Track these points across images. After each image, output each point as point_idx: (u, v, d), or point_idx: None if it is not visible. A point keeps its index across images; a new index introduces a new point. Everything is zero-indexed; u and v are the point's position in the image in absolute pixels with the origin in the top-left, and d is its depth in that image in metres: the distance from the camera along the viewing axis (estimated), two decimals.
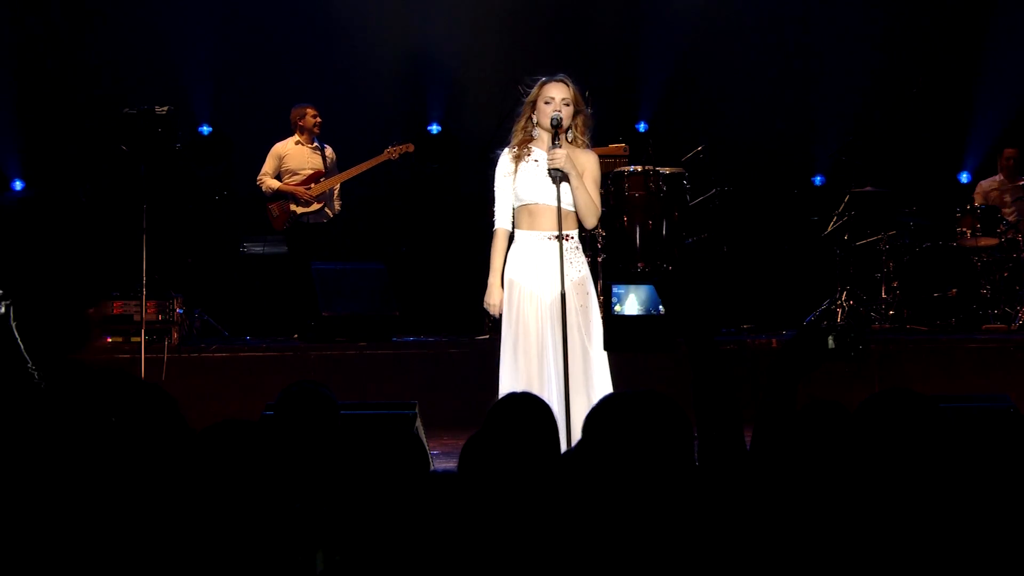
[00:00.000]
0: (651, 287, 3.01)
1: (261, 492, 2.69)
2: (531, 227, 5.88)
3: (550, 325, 5.72)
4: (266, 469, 2.74)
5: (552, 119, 5.77)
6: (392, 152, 10.49)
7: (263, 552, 2.58)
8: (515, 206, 5.95)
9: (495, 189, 5.97)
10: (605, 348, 5.47)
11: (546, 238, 5.82)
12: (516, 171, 5.91)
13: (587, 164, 5.87)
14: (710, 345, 2.99)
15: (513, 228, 5.97)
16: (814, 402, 2.74)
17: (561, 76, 5.91)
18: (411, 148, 10.63)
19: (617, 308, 2.98)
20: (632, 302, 2.96)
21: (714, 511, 2.58)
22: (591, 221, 5.87)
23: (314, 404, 3.97)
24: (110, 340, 9.38)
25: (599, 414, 2.87)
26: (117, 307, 9.45)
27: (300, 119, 10.60)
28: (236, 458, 2.73)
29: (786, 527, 2.59)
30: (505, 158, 5.96)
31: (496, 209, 5.99)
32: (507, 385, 5.73)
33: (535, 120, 5.91)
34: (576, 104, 5.88)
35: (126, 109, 11.34)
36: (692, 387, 2.99)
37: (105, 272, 10.49)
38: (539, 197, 5.84)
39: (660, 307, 3.00)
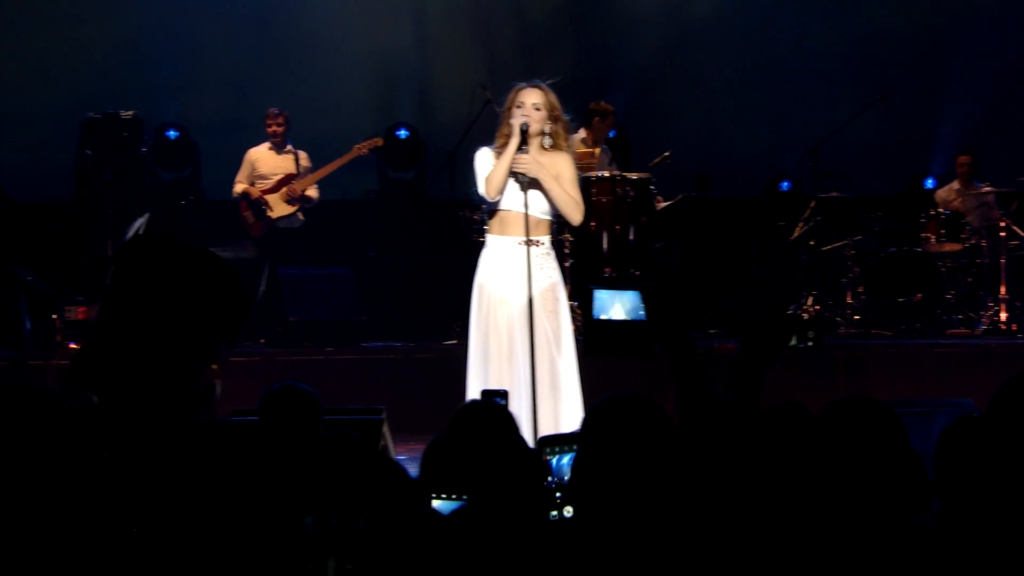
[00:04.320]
0: (635, 293, 3.03)
1: (264, 494, 2.69)
2: (502, 232, 5.88)
3: (519, 331, 5.72)
4: (265, 471, 2.74)
5: (521, 125, 5.76)
6: (362, 148, 10.45)
7: (273, 560, 2.59)
8: (487, 210, 5.94)
9: (476, 179, 5.86)
10: (586, 353, 5.49)
11: (516, 244, 5.82)
12: None
13: (561, 167, 5.86)
14: (691, 350, 3.01)
15: (485, 232, 5.98)
16: (777, 404, 2.76)
17: (535, 81, 5.90)
18: (380, 142, 10.61)
19: (603, 315, 3.00)
20: (616, 307, 2.98)
21: (696, 511, 2.59)
22: (576, 217, 5.86)
23: (299, 404, 3.95)
24: (73, 346, 9.32)
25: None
26: (81, 312, 9.39)
27: (267, 127, 10.57)
28: (238, 460, 2.73)
29: (752, 527, 2.60)
30: (488, 154, 5.89)
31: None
32: (475, 390, 5.73)
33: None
34: (551, 110, 5.86)
35: (91, 113, 11.29)
36: (676, 392, 3.00)
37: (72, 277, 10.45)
38: (510, 203, 5.83)
39: (642, 313, 3.02)
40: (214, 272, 2.81)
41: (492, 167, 5.77)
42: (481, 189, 5.80)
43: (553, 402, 5.73)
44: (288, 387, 4.00)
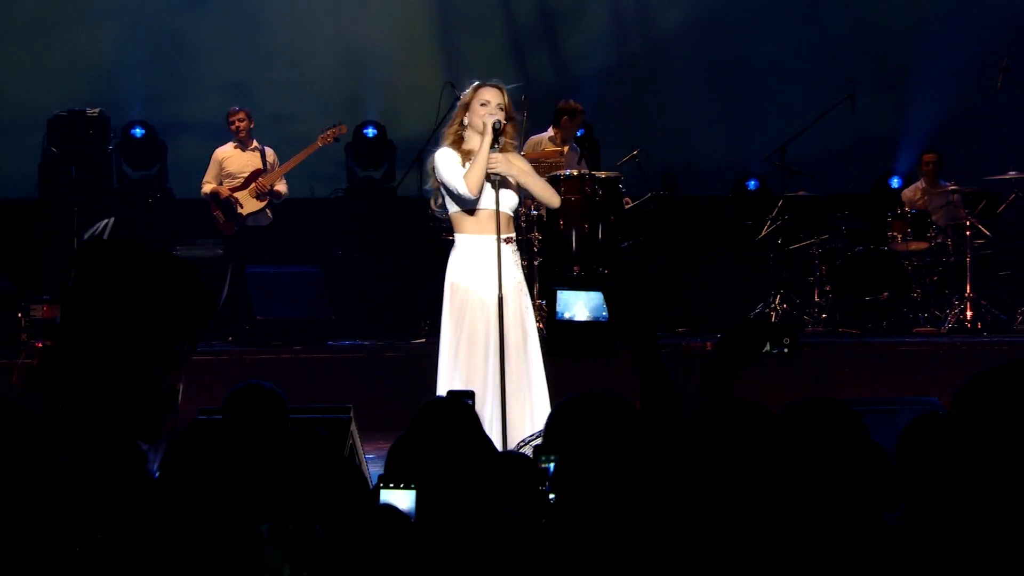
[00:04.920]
0: (597, 293, 3.04)
1: (228, 496, 2.68)
2: (475, 231, 5.88)
3: (493, 329, 5.75)
4: (229, 472, 2.72)
5: (494, 124, 5.76)
6: (326, 137, 10.41)
7: (228, 569, 2.58)
8: (453, 211, 5.93)
9: (448, 180, 5.86)
10: (549, 354, 5.50)
11: (490, 242, 5.83)
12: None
13: (520, 162, 5.96)
14: (655, 349, 3.02)
15: (454, 233, 5.98)
16: (739, 403, 2.77)
17: (496, 80, 5.92)
18: (344, 130, 10.58)
19: (566, 315, 2.99)
20: (578, 307, 2.98)
21: (665, 507, 2.59)
22: (556, 201, 6.17)
23: (265, 403, 3.92)
24: (41, 345, 9.25)
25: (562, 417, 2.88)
26: (48, 311, 9.33)
27: (229, 124, 10.52)
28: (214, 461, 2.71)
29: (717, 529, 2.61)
30: (453, 154, 5.88)
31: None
32: (444, 388, 5.72)
33: (467, 123, 5.89)
34: (508, 111, 5.91)
35: (57, 111, 11.21)
36: (641, 392, 3.01)
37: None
38: (481, 202, 5.85)
39: (604, 313, 3.03)
40: (174, 274, 2.80)
41: (468, 166, 5.78)
42: (460, 189, 5.79)
43: (526, 401, 5.75)
44: (254, 386, 3.98)
